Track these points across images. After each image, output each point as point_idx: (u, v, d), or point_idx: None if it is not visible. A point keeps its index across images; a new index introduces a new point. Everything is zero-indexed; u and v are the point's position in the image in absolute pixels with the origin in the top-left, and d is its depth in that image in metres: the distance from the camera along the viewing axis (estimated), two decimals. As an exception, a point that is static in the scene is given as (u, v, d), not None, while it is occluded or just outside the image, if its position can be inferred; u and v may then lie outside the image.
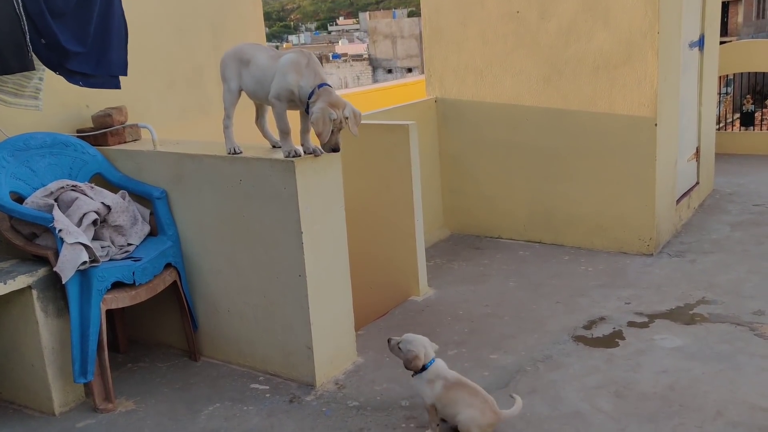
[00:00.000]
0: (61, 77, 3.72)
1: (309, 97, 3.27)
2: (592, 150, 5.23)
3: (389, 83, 7.60)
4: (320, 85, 3.29)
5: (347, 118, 3.24)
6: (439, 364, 3.12)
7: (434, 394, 3.04)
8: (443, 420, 3.11)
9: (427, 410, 3.11)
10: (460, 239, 5.86)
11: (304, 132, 3.48)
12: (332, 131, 3.23)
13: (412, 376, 3.13)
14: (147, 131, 4.09)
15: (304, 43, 67.14)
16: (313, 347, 3.55)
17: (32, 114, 3.94)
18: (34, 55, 3.46)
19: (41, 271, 3.39)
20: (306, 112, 3.32)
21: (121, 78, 4.39)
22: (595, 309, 4.31)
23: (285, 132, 3.41)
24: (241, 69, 3.53)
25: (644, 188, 5.07)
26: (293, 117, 3.46)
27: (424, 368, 3.08)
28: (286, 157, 3.39)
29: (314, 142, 3.47)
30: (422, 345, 3.11)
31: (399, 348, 3.13)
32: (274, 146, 3.69)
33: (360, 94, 6.93)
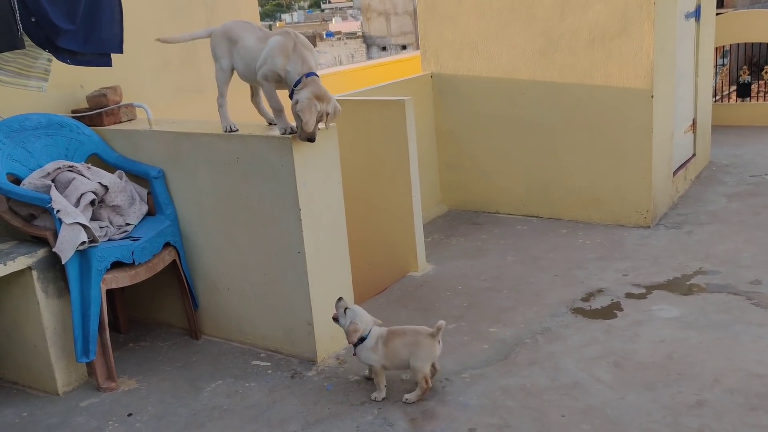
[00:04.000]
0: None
1: (295, 85, 3.26)
2: (589, 123, 5.23)
3: (384, 59, 7.55)
4: (308, 74, 3.27)
5: (328, 113, 3.27)
6: (374, 330, 3.26)
7: (379, 356, 3.19)
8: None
9: (377, 373, 3.24)
10: (458, 215, 5.87)
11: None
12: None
13: (354, 354, 3.28)
14: (142, 111, 4.07)
15: (298, 22, 66.56)
16: (314, 323, 3.57)
17: (26, 95, 3.92)
18: (25, 35, 3.43)
19: (40, 252, 3.39)
20: (290, 96, 3.30)
21: (115, 57, 4.35)
22: (593, 281, 4.34)
23: (278, 110, 3.40)
24: (230, 48, 3.51)
25: (641, 161, 5.08)
26: (285, 95, 3.44)
27: (362, 339, 3.23)
28: (282, 134, 3.39)
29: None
30: (365, 322, 3.26)
31: (345, 312, 3.27)
32: (270, 124, 3.68)
33: (354, 71, 6.88)
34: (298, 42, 3.35)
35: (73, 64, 3.80)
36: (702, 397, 3.06)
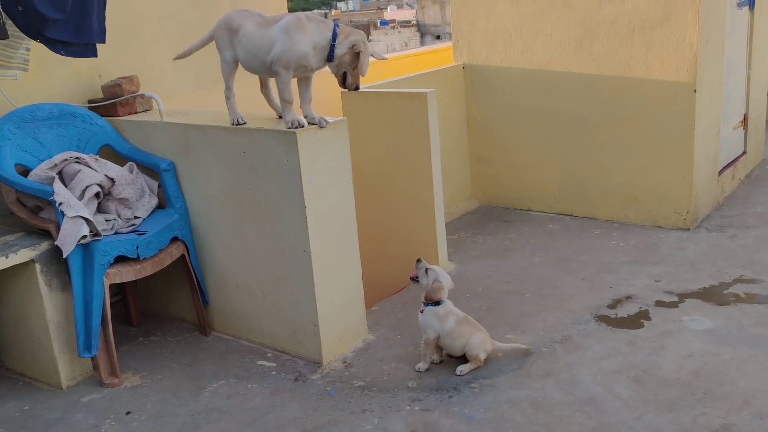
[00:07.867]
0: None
1: (333, 40, 3.17)
2: (627, 118, 4.94)
3: (418, 49, 7.35)
4: (336, 25, 3.21)
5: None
6: (450, 304, 3.35)
7: (443, 329, 3.28)
8: (449, 356, 3.41)
9: (427, 344, 3.33)
10: (488, 211, 5.66)
11: (306, 102, 3.34)
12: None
13: (422, 311, 3.35)
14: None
15: (353, 10, 66.51)
16: (319, 324, 3.44)
17: (42, 84, 3.89)
18: (10, 23, 3.33)
19: (44, 245, 3.35)
20: (329, 58, 3.20)
21: (135, 46, 4.29)
22: (622, 287, 4.09)
23: (288, 101, 3.27)
24: (232, 38, 3.38)
25: (682, 158, 4.77)
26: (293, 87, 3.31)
27: (437, 303, 3.30)
28: (289, 127, 3.25)
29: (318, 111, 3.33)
30: (448, 282, 3.35)
31: (426, 272, 3.34)
32: (280, 116, 3.55)
33: (388, 62, 6.68)
34: (309, 15, 3.25)
35: (66, 55, 3.63)
36: (728, 420, 2.81)
